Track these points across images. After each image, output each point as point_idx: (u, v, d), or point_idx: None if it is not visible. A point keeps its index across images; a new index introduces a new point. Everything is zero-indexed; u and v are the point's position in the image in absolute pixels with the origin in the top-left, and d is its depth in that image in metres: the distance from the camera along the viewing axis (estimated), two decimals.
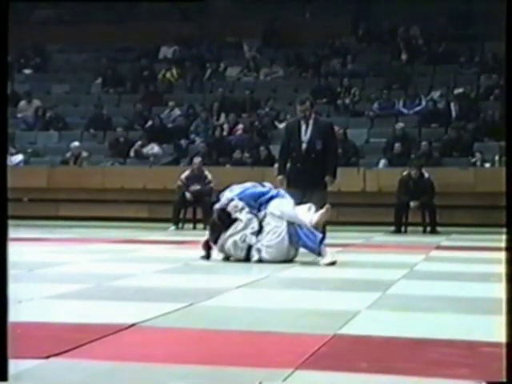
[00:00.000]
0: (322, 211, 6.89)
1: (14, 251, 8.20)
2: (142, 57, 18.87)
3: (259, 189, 7.13)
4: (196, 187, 12.59)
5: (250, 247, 6.83)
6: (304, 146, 7.93)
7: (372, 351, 3.23)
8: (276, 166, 8.61)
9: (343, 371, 2.89)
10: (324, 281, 5.78)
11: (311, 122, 8.00)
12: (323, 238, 6.82)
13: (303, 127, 7.98)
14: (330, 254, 6.74)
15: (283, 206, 6.88)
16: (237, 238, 6.82)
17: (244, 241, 6.82)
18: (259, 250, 6.80)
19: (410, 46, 17.87)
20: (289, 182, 7.97)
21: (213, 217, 7.11)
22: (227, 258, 6.98)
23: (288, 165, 8.08)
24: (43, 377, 2.82)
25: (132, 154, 15.49)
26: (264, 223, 6.85)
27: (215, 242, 6.93)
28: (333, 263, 6.64)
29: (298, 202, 7.79)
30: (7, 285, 2.17)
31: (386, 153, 14.42)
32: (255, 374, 2.82)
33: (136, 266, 6.57)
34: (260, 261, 6.78)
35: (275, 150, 14.81)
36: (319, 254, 6.75)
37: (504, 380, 2.20)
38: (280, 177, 8.05)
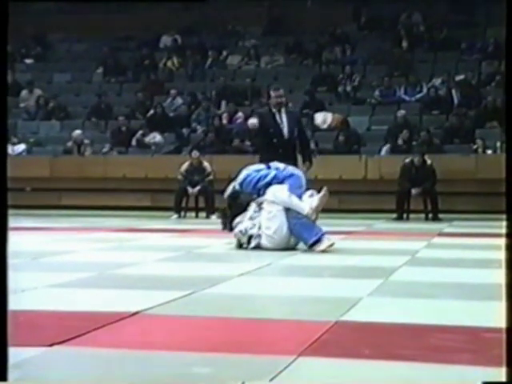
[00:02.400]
0: (320, 195, 6.89)
1: (17, 240, 8.26)
2: (143, 46, 18.82)
3: (258, 174, 7.13)
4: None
5: (251, 236, 6.88)
6: (286, 133, 7.97)
7: (374, 338, 3.24)
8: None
9: (346, 358, 2.90)
10: (326, 268, 5.78)
11: (283, 110, 8.08)
12: (323, 234, 6.81)
13: (277, 115, 8.00)
14: (326, 240, 6.74)
15: (278, 192, 6.88)
16: (243, 226, 6.89)
17: (249, 229, 6.86)
18: (259, 236, 6.83)
19: (411, 33, 17.81)
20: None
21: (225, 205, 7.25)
22: (240, 246, 6.98)
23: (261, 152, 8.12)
24: (47, 364, 2.83)
25: (134, 142, 15.48)
26: (262, 210, 6.88)
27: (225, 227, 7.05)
28: (331, 245, 6.68)
29: None
30: (7, 289, 2.15)
31: (387, 140, 14.40)
32: (258, 362, 2.84)
33: (138, 254, 6.58)
34: (258, 247, 6.82)
35: None
36: (310, 246, 6.75)
37: (504, 380, 2.22)
38: None
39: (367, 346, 3.07)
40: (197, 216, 12.75)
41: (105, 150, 15.08)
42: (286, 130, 7.97)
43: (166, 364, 2.82)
